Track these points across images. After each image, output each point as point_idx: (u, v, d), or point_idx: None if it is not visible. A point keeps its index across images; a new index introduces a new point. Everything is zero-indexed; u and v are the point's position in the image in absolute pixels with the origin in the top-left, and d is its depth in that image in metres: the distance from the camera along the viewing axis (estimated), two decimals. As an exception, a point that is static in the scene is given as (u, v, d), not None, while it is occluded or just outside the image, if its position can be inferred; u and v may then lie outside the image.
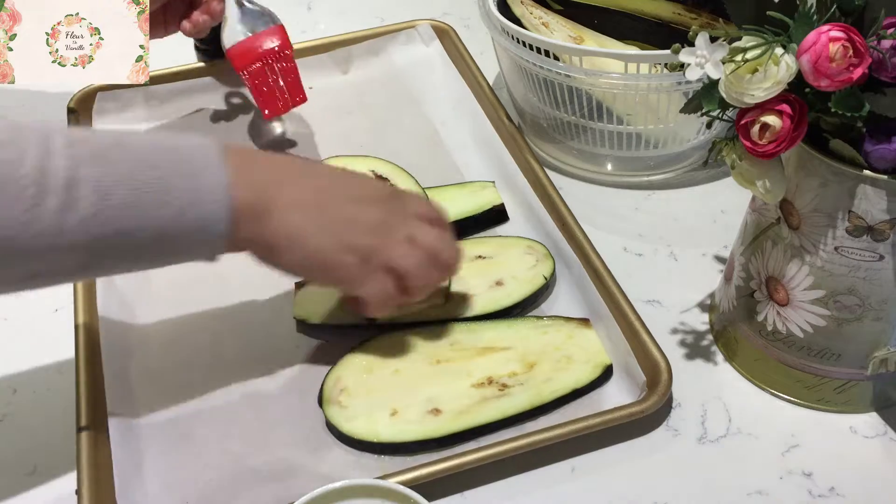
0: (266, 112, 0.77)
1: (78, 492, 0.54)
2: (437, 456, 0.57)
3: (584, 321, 0.65)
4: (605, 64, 0.73)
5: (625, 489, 0.56)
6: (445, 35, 0.93)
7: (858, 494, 0.56)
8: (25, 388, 0.64)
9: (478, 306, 0.66)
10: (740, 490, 0.56)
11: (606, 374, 0.61)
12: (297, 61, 0.82)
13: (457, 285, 0.67)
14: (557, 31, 0.82)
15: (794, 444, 0.58)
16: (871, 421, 0.59)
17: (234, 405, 0.61)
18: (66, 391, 0.63)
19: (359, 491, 0.49)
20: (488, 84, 0.86)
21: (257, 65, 0.76)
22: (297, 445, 0.59)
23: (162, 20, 0.75)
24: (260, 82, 0.76)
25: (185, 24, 0.75)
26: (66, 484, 0.58)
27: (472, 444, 0.58)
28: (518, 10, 0.82)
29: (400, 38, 0.93)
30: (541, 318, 0.65)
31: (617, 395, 0.60)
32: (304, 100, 0.78)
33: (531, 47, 0.73)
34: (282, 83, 0.77)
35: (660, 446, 0.59)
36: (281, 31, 0.78)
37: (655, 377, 0.59)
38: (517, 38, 0.74)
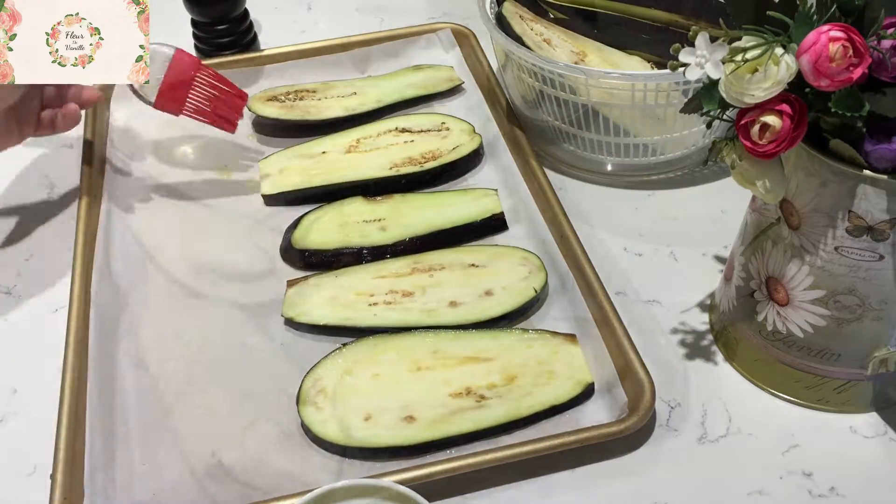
0: (228, 129, 0.78)
1: (52, 476, 0.55)
2: (408, 464, 0.56)
3: (571, 337, 0.64)
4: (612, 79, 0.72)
5: (625, 489, 0.56)
6: (465, 40, 0.93)
7: (858, 494, 0.56)
8: (25, 388, 0.64)
9: (465, 315, 0.65)
10: (740, 490, 0.56)
11: (587, 392, 0.61)
12: (316, 59, 0.87)
13: (445, 292, 0.67)
14: (560, 48, 0.81)
15: (794, 444, 0.58)
16: (871, 421, 0.59)
17: (215, 400, 0.61)
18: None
19: (359, 491, 0.49)
20: (501, 90, 0.86)
21: (190, 99, 0.76)
22: (272, 444, 0.59)
23: (15, 126, 0.71)
24: (204, 112, 0.77)
25: (56, 120, 0.73)
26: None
27: (443, 454, 0.57)
28: (518, 27, 0.81)
29: (420, 42, 0.93)
30: (527, 331, 0.64)
31: (599, 413, 0.60)
32: (245, 96, 0.79)
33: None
34: (220, 94, 0.77)
35: (660, 446, 0.59)
36: (181, 54, 0.74)
37: (639, 397, 0.58)
38: (522, 60, 0.74)
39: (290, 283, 0.69)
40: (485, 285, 0.67)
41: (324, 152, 0.81)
